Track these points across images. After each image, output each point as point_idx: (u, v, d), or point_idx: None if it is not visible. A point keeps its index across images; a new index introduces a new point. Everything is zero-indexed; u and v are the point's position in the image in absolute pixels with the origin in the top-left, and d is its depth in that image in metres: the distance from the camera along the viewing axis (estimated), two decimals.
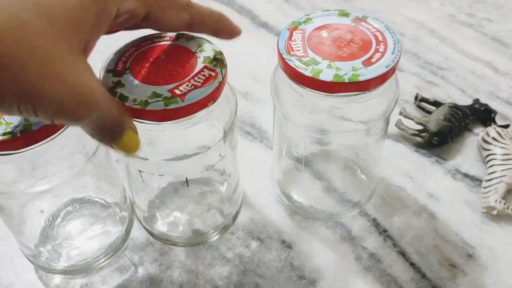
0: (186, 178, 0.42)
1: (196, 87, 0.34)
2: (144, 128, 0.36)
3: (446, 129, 0.53)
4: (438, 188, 0.51)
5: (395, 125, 0.55)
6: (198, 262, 0.46)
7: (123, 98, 0.33)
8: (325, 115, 0.40)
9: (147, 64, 0.36)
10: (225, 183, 0.45)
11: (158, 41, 0.38)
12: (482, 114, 0.57)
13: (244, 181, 0.50)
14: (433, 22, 0.72)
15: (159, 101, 0.33)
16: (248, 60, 0.65)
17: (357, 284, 0.43)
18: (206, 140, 0.37)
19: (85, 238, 0.46)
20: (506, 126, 0.55)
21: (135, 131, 0.31)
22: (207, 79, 0.34)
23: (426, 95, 0.61)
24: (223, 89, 0.36)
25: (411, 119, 0.55)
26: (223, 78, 0.35)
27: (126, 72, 0.35)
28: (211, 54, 0.36)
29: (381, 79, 0.35)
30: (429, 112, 0.57)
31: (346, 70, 0.35)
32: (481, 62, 0.66)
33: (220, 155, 0.39)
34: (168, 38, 0.38)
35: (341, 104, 0.39)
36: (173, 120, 0.34)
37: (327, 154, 0.51)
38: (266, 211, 0.49)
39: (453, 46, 0.68)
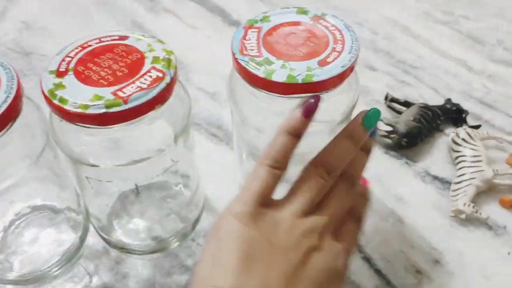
0: (136, 185, 0.40)
1: (141, 89, 0.32)
2: (87, 133, 0.34)
3: (415, 130, 0.52)
4: (407, 192, 0.49)
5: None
6: (155, 270, 0.44)
7: (62, 101, 0.31)
8: (283, 118, 0.38)
9: (92, 65, 0.34)
10: (183, 186, 0.43)
11: (106, 41, 0.36)
12: (453, 114, 0.56)
13: (208, 185, 0.48)
14: (408, 20, 0.71)
15: (100, 104, 0.31)
16: (218, 60, 0.63)
17: None
18: (156, 144, 0.35)
19: (36, 247, 0.44)
20: (477, 127, 0.54)
21: None
22: (154, 81, 0.32)
23: (398, 94, 0.59)
24: (173, 90, 0.34)
25: (380, 120, 0.54)
26: (171, 80, 0.33)
27: (69, 73, 0.33)
28: (160, 54, 0.34)
29: (337, 79, 0.33)
30: (400, 113, 0.55)
31: (300, 70, 0.33)
32: (455, 61, 0.64)
33: (172, 160, 0.37)
34: (117, 37, 0.36)
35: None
36: (116, 124, 0.32)
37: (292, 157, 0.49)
38: None
39: (427, 44, 0.67)
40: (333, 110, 0.38)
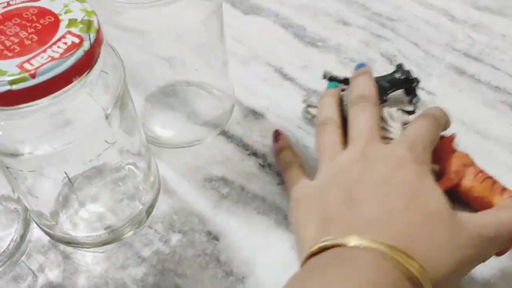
0: (66, 173, 0.35)
1: (53, 59, 0.26)
2: None
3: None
4: None
5: (302, 114, 0.48)
6: (108, 264, 0.39)
7: None
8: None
9: None
10: (133, 167, 0.38)
11: (15, 3, 0.30)
12: (403, 85, 0.48)
13: (162, 165, 0.43)
14: None
15: (3, 80, 0.25)
16: None
17: None
18: (82, 125, 0.30)
19: None
20: (411, 113, 0.46)
21: None
22: (69, 48, 0.27)
23: (374, 51, 0.54)
24: (98, 58, 0.28)
25: (315, 107, 0.47)
26: (91, 46, 0.27)
27: None
28: (78, 16, 0.29)
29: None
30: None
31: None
32: (436, 10, 0.59)
33: (106, 141, 0.32)
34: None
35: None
36: (23, 103, 0.26)
37: None
38: (190, 198, 0.43)
39: None
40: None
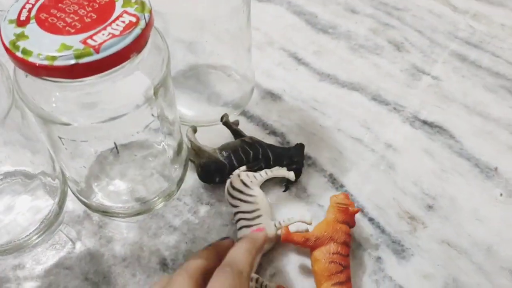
0: (115, 143, 0.37)
1: (113, 36, 0.29)
2: (56, 88, 0.31)
3: (213, 166, 0.43)
4: (396, 137, 0.48)
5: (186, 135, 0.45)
6: (142, 233, 0.42)
7: (26, 53, 0.28)
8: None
9: (56, 11, 0.30)
10: (165, 144, 0.40)
11: None
12: (288, 164, 0.44)
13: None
14: None
15: (69, 54, 0.28)
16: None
17: None
18: (134, 99, 0.32)
19: (12, 215, 0.41)
20: (255, 169, 0.43)
21: None
22: (127, 26, 0.29)
23: (382, 38, 0.57)
24: (149, 37, 0.31)
25: (191, 141, 0.44)
26: (146, 25, 0.30)
27: (31, 21, 0.30)
28: None
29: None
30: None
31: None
32: (438, 0, 0.62)
33: (152, 115, 0.34)
34: None
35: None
36: (88, 76, 0.28)
37: None
38: None
39: None
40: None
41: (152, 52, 0.33)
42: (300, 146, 0.45)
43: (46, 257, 0.40)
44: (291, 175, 0.43)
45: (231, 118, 0.48)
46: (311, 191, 0.44)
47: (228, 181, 0.41)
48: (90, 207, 0.42)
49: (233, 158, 0.43)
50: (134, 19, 0.30)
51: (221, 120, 0.47)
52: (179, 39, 0.47)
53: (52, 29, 0.29)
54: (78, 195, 0.41)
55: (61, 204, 0.42)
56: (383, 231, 0.41)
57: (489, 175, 0.45)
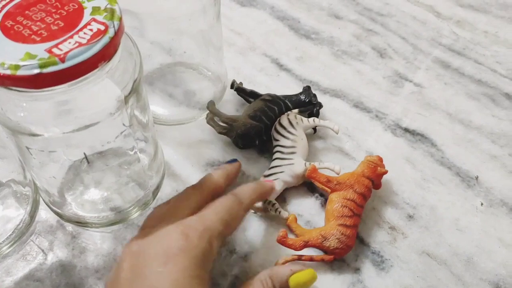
0: (85, 154, 0.36)
1: (80, 44, 0.28)
2: (23, 98, 0.29)
3: (253, 131, 0.44)
4: (378, 146, 0.47)
5: (206, 119, 0.46)
6: (116, 243, 0.41)
7: None
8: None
9: (22, 19, 0.29)
10: (140, 152, 0.39)
11: None
12: (306, 107, 0.48)
13: (167, 150, 0.45)
14: None
15: (33, 64, 0.27)
16: None
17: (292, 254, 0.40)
18: (106, 107, 0.31)
19: None
20: (316, 114, 0.47)
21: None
22: (95, 35, 0.28)
23: (365, 44, 0.57)
24: (119, 45, 0.30)
25: (218, 116, 0.45)
26: (115, 33, 0.29)
27: None
28: (102, 4, 0.30)
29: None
30: (250, 102, 0.49)
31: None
32: (422, 7, 0.62)
33: (123, 124, 0.34)
34: None
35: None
36: (53, 86, 0.27)
37: None
38: (193, 180, 0.44)
39: None
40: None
41: (124, 58, 0.32)
42: (308, 88, 0.48)
43: (17, 268, 0.39)
44: (335, 128, 0.45)
45: (203, 119, 0.47)
46: (289, 201, 0.43)
47: (279, 118, 0.45)
48: (63, 217, 0.41)
49: (264, 118, 0.45)
50: (102, 27, 0.29)
51: (232, 87, 0.49)
52: (153, 39, 0.46)
53: (18, 37, 0.28)
54: (51, 206, 0.40)
55: (33, 213, 0.41)
56: (362, 241, 0.41)
57: (470, 184, 0.45)
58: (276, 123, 0.45)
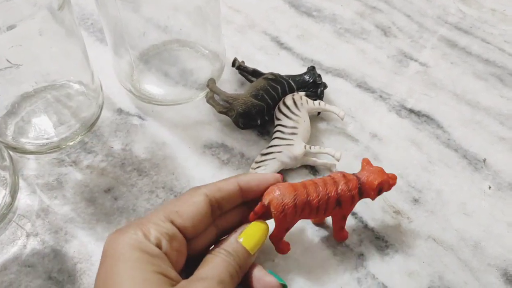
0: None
1: None
2: None
3: (254, 110, 0.43)
4: (382, 127, 0.46)
5: (206, 98, 0.45)
6: (109, 227, 0.39)
7: None
8: None
9: None
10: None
11: None
12: (311, 88, 0.46)
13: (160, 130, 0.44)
14: None
15: None
16: None
17: (294, 238, 0.38)
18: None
19: None
20: (320, 96, 0.46)
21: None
22: None
23: (369, 22, 0.55)
24: None
25: (218, 94, 0.44)
26: None
27: None
28: None
29: None
30: (252, 81, 0.47)
31: None
32: None
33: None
34: None
35: None
36: None
37: None
38: (190, 164, 0.43)
39: None
40: None
41: None
42: (312, 68, 0.47)
43: (7, 254, 0.38)
44: (341, 114, 0.44)
45: (200, 99, 0.45)
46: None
47: (284, 98, 0.43)
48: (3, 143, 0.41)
49: (266, 97, 0.43)
50: None
51: (233, 65, 0.48)
52: (148, 15, 0.44)
53: None
54: None
55: (13, 193, 0.39)
56: (366, 226, 0.39)
57: (478, 167, 0.43)
58: (280, 102, 0.43)
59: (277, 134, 0.42)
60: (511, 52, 0.52)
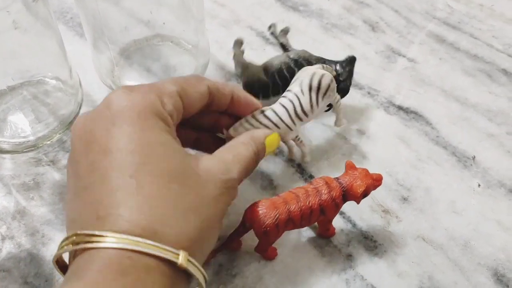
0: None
1: None
2: None
3: (257, 85, 0.42)
4: (370, 124, 0.45)
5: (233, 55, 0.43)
6: None
7: None
8: None
9: None
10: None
11: None
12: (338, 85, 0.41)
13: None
14: None
15: None
16: None
17: (280, 239, 0.37)
18: None
19: None
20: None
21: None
22: None
23: (356, 17, 0.54)
24: None
25: (237, 56, 0.43)
26: None
27: None
28: None
29: None
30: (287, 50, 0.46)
31: None
32: None
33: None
34: None
35: None
36: None
37: None
38: None
39: None
40: None
41: None
42: (351, 60, 0.43)
43: None
44: (342, 123, 0.42)
45: None
46: (277, 182, 0.41)
47: (322, 75, 0.38)
48: None
49: (276, 77, 0.42)
50: None
51: (269, 29, 0.48)
52: (130, 9, 0.43)
53: None
54: None
55: None
56: (354, 225, 0.38)
57: (467, 165, 0.42)
58: (315, 75, 0.37)
59: (287, 106, 0.37)
60: (499, 47, 0.52)
